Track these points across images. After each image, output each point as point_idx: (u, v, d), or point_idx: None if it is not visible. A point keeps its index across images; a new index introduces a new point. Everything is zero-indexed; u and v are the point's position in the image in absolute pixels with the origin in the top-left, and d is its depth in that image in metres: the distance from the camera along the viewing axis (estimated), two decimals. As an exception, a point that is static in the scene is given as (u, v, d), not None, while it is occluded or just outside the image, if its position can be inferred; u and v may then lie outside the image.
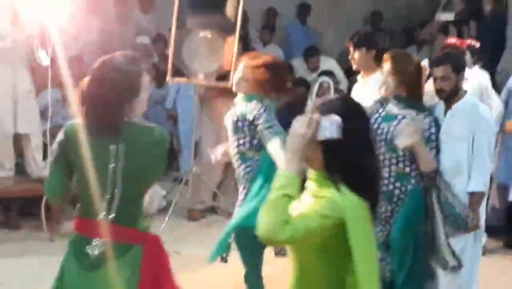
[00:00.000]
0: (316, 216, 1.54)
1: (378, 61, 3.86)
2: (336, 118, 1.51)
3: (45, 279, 3.63)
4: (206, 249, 3.58)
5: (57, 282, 2.33)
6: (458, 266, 3.40)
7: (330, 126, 1.51)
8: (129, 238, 2.33)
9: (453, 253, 3.40)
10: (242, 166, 3.17)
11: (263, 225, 1.50)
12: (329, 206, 1.57)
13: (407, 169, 3.32)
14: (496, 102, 4.90)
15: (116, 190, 2.27)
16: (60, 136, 2.34)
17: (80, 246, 2.32)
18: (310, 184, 1.69)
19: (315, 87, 5.99)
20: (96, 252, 2.27)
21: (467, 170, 3.45)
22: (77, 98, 2.34)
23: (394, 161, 3.34)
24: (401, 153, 3.28)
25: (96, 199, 2.28)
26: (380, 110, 3.40)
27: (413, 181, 3.34)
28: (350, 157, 1.60)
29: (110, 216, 2.26)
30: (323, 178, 1.65)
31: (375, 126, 3.31)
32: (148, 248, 2.32)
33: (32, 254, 4.77)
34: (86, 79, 2.34)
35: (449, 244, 3.39)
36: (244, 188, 3.21)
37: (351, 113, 1.62)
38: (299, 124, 1.54)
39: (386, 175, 3.34)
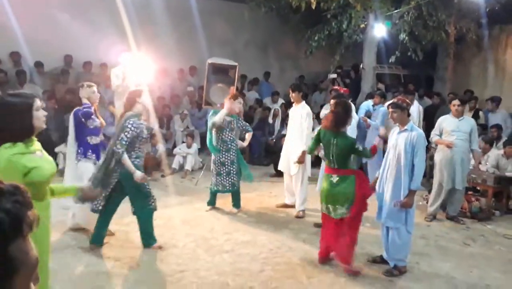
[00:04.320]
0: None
1: (302, 97, 5.75)
2: None
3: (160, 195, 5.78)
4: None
5: (322, 188, 3.79)
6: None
7: None
8: (346, 172, 3.75)
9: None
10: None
11: None
12: None
13: None
14: (355, 115, 5.93)
15: (335, 155, 3.71)
16: (316, 133, 3.93)
17: (328, 177, 3.76)
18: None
19: (272, 111, 9.00)
20: (335, 180, 3.73)
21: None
22: (324, 118, 3.83)
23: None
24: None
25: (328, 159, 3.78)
26: None
27: None
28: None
29: (335, 165, 3.74)
30: None
31: None
32: (357, 176, 3.78)
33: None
34: (331, 106, 3.93)
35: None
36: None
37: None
38: None
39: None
